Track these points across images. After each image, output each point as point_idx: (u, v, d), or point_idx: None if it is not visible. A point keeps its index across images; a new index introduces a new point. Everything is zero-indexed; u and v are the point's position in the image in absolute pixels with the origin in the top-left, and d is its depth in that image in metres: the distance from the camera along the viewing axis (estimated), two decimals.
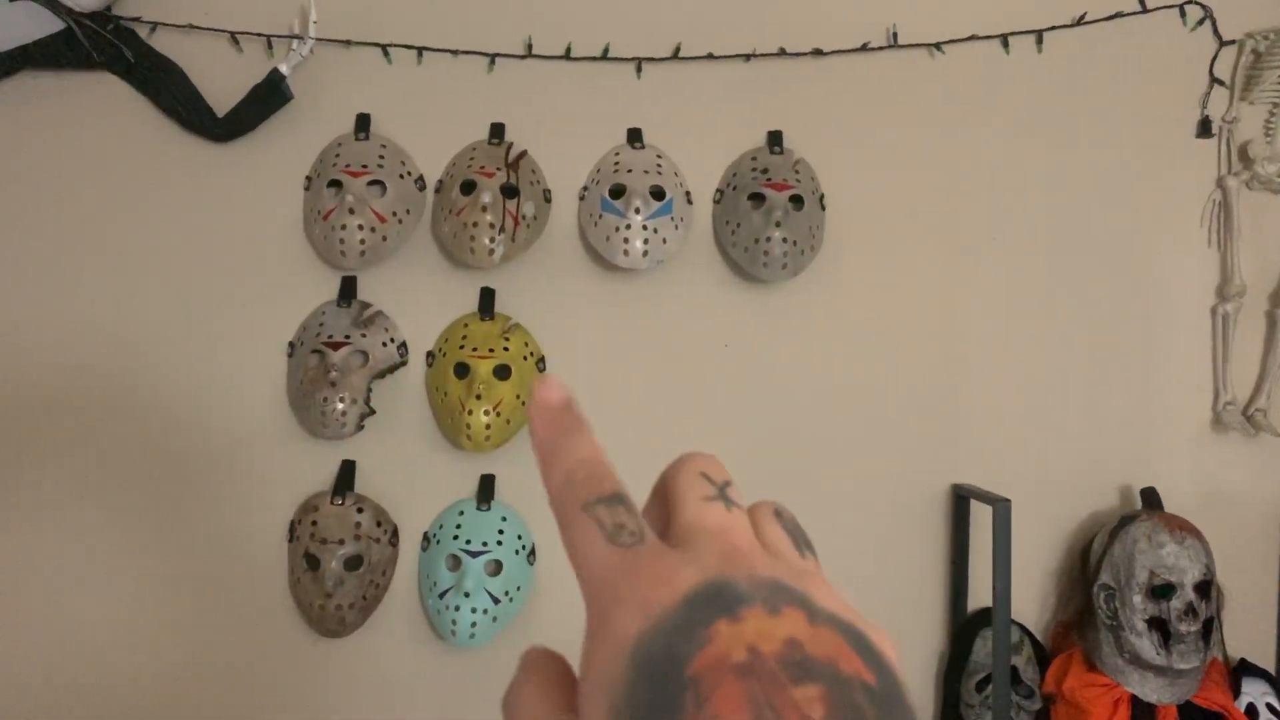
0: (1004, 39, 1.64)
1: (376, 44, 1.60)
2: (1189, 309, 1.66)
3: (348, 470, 1.58)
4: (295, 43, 1.56)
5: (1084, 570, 1.60)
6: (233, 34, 1.59)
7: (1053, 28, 1.63)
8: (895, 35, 1.63)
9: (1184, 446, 1.66)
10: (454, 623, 1.51)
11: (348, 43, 1.60)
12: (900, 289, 1.64)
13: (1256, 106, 1.65)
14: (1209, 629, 1.49)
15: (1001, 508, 1.47)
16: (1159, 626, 1.48)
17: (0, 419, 1.58)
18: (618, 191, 1.57)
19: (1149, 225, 1.66)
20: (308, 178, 1.60)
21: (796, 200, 1.57)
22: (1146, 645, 1.47)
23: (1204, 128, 1.66)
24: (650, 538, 0.34)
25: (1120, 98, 1.66)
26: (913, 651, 1.64)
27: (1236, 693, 1.56)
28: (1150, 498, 1.58)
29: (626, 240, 1.55)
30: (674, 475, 0.38)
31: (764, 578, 0.32)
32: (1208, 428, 1.66)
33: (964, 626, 1.61)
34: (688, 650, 0.29)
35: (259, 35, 1.59)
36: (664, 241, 1.56)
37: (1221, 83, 1.66)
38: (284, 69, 1.55)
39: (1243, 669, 1.60)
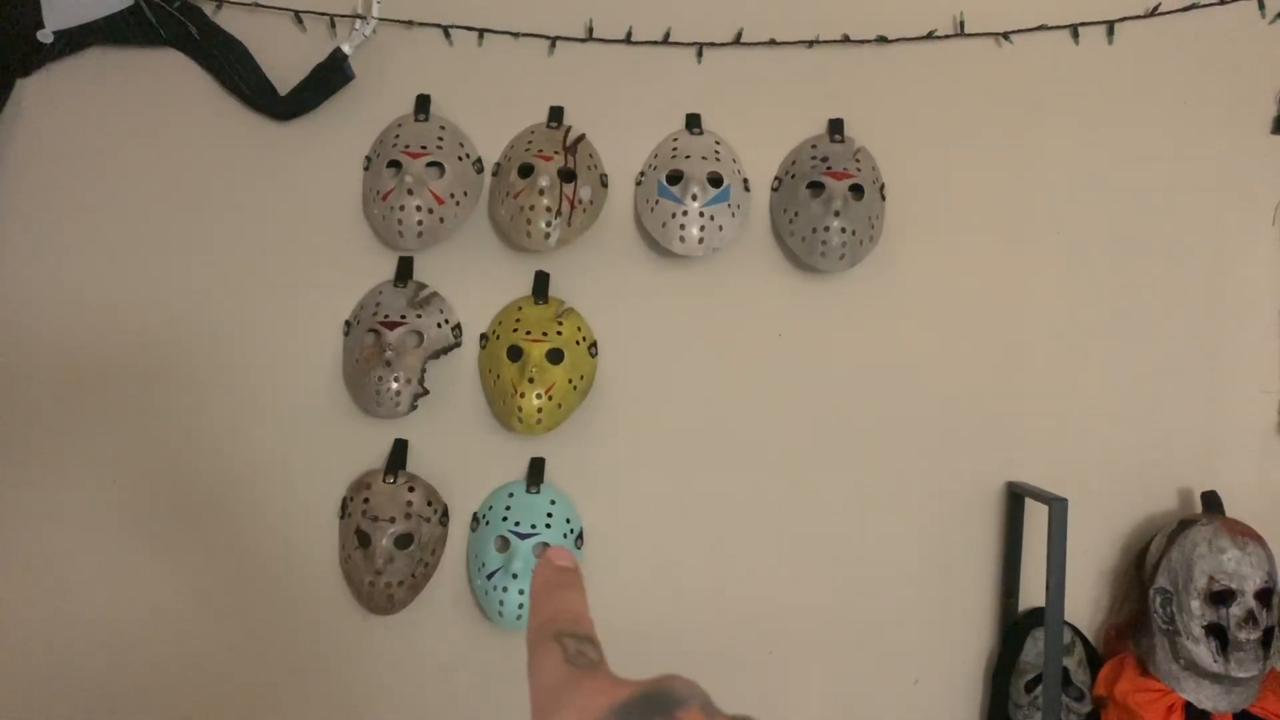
0: (1074, 29, 1.60)
1: (438, 25, 1.60)
2: (1258, 309, 1.62)
3: (400, 449, 1.59)
4: (358, 22, 1.57)
5: (1140, 573, 1.57)
6: (296, 13, 1.60)
7: (1125, 18, 1.60)
8: (962, 24, 1.60)
9: (1247, 450, 1.62)
10: (501, 604, 1.52)
11: (409, 23, 1.60)
12: (960, 282, 1.62)
13: None
14: (1269, 637, 1.46)
15: (1058, 507, 1.45)
16: (1217, 633, 1.45)
17: (58, 392, 1.61)
18: (675, 177, 1.56)
19: (1219, 222, 1.62)
20: (367, 158, 1.61)
21: (857, 190, 1.55)
22: (1204, 652, 1.44)
23: None
24: (607, 667, 0.36)
25: (1193, 91, 1.62)
26: (962, 650, 1.62)
27: None
28: (1211, 501, 1.55)
29: (683, 227, 1.54)
30: None
31: (701, 690, 0.34)
32: (1273, 431, 1.62)
33: (1015, 626, 1.59)
34: None
35: (322, 14, 1.60)
36: (720, 229, 1.55)
37: None
38: (346, 49, 1.56)
39: None
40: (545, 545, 1.54)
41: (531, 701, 0.35)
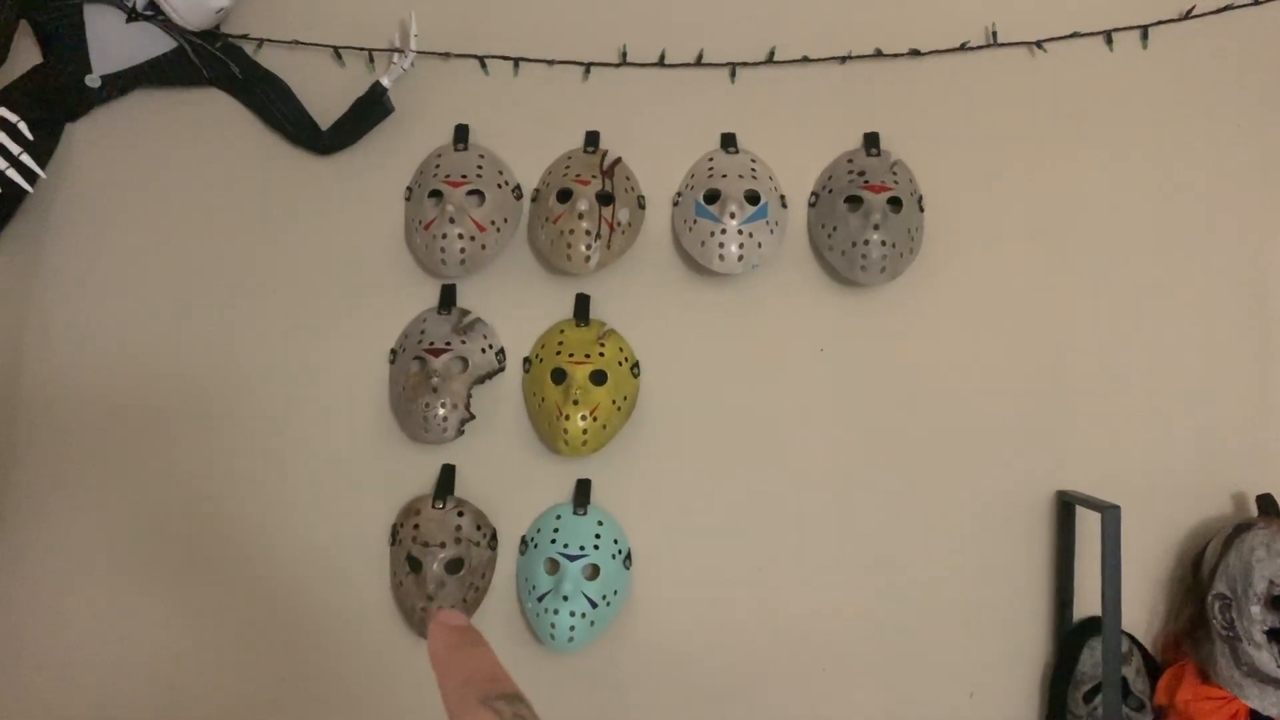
0: (1108, 35, 1.60)
1: (474, 55, 1.63)
2: None
3: (448, 474, 1.61)
4: (396, 56, 1.59)
5: (1196, 579, 1.55)
6: (336, 49, 1.63)
7: (1159, 22, 1.59)
8: (994, 34, 1.60)
9: None
10: (553, 626, 1.52)
11: (446, 55, 1.63)
12: (1002, 291, 1.61)
13: None
14: None
15: (1111, 514, 1.44)
16: (1279, 639, 1.43)
17: (107, 429, 1.63)
18: (712, 196, 1.57)
19: (1263, 224, 1.61)
20: (408, 188, 1.63)
21: (895, 202, 1.55)
22: (1266, 658, 1.42)
23: None
24: None
25: (1231, 94, 1.61)
26: (1017, 661, 1.61)
27: None
28: (1267, 504, 1.53)
29: (721, 245, 1.55)
30: None
31: None
32: None
33: (1070, 636, 1.57)
34: None
35: (361, 49, 1.62)
36: (759, 246, 1.56)
37: None
38: (385, 82, 1.58)
39: None
40: (595, 567, 1.55)
41: None
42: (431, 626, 0.41)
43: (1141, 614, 1.61)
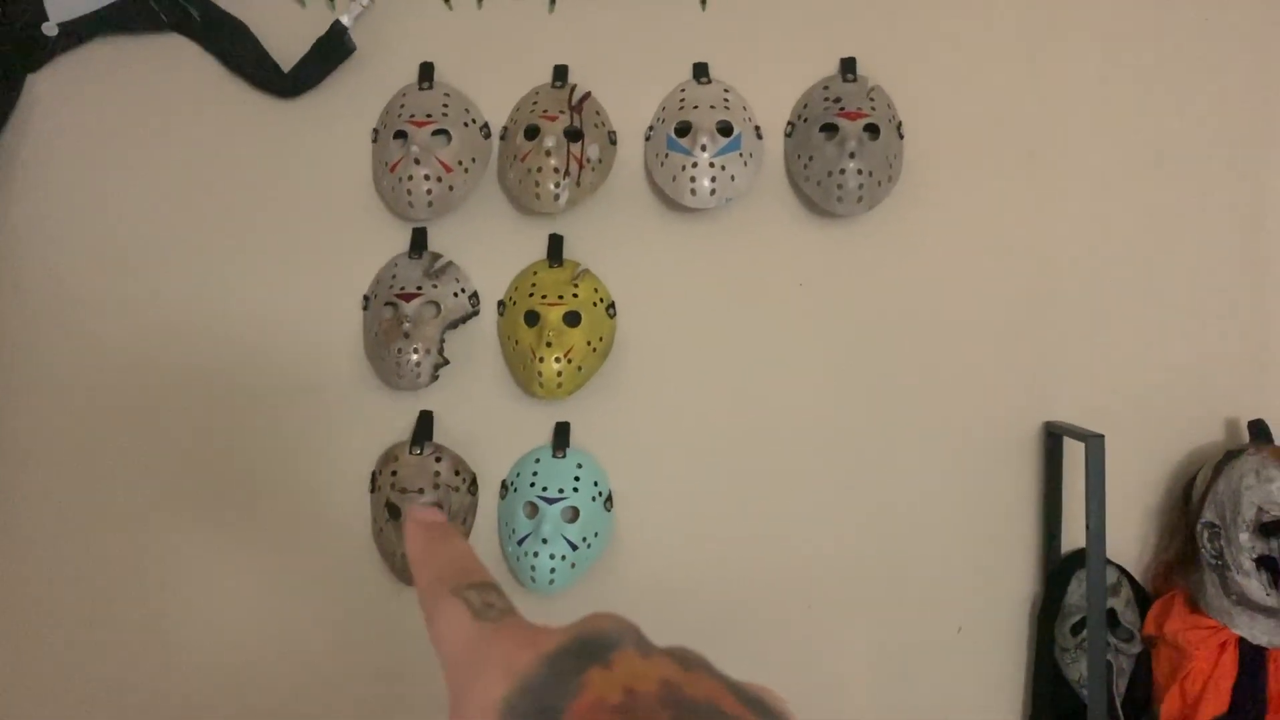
0: None
1: None
2: None
3: (425, 420, 1.59)
4: None
5: (1186, 508, 1.52)
6: None
7: None
8: None
9: None
10: (533, 569, 1.51)
11: None
12: (984, 218, 1.56)
13: None
14: None
15: (1094, 444, 1.41)
16: (1269, 565, 1.40)
17: (81, 380, 1.63)
18: (683, 129, 1.53)
19: (1258, 141, 1.54)
20: (374, 130, 1.60)
21: (872, 129, 1.50)
22: (1255, 585, 1.40)
23: None
24: (519, 614, 0.34)
25: (1225, 6, 1.54)
26: (1005, 595, 1.59)
27: None
28: (1259, 430, 1.49)
29: (694, 179, 1.51)
30: None
31: (631, 625, 0.32)
32: None
33: (1059, 568, 1.55)
34: (560, 701, 0.28)
35: None
36: (732, 179, 1.52)
37: None
38: (346, 20, 1.54)
39: None
40: (574, 509, 1.54)
41: (446, 670, 0.32)
42: (407, 526, 0.42)
43: (1132, 544, 1.58)
